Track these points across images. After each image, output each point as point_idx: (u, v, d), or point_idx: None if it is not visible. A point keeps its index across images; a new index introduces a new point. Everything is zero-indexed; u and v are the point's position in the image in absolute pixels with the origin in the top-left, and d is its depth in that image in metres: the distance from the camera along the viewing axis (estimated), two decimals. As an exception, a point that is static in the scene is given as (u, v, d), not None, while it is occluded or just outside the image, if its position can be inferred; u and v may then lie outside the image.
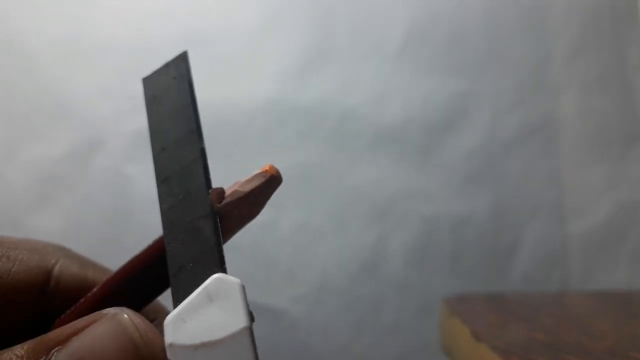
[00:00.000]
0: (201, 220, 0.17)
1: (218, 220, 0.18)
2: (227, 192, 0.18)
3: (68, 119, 0.61)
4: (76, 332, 0.14)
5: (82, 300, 0.19)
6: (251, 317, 0.16)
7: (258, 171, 0.18)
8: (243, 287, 0.16)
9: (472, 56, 0.65)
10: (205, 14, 0.63)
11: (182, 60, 0.21)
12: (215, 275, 0.16)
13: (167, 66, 0.21)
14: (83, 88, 0.61)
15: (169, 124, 0.20)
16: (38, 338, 0.15)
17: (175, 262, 0.17)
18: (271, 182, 0.18)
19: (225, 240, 0.18)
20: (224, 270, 0.16)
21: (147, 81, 0.21)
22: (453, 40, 0.65)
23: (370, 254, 0.61)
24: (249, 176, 0.18)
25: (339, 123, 0.63)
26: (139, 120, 0.61)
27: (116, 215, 0.59)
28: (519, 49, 0.65)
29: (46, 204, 0.59)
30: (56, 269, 0.19)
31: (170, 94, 0.20)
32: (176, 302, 0.16)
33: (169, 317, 0.15)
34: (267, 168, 0.18)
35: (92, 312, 0.16)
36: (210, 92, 0.62)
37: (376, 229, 0.62)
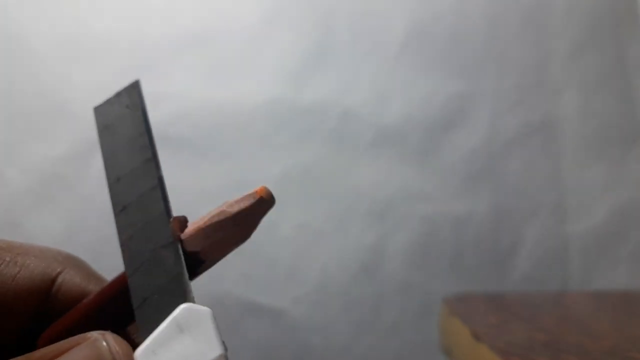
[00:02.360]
0: (163, 249, 0.17)
1: (181, 248, 0.17)
2: (214, 212, 0.17)
3: (68, 119, 0.61)
4: (59, 354, 0.14)
5: (58, 320, 0.18)
6: (224, 346, 0.15)
7: (249, 192, 0.17)
8: (213, 315, 0.16)
9: (472, 56, 0.65)
10: (205, 14, 0.63)
11: (134, 89, 0.21)
12: (183, 305, 0.15)
13: (119, 95, 0.21)
14: (83, 88, 0.61)
15: (124, 154, 0.19)
16: (24, 356, 0.15)
17: (139, 294, 0.16)
18: (261, 204, 0.17)
19: (213, 263, 0.18)
20: (191, 300, 0.16)
21: (99, 110, 0.21)
22: (453, 40, 0.65)
23: (370, 254, 0.61)
24: (238, 196, 0.18)
25: (339, 123, 0.63)
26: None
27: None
28: (519, 49, 0.65)
29: (46, 204, 0.59)
30: (59, 278, 0.19)
31: (124, 123, 0.20)
32: (144, 334, 0.15)
33: (138, 351, 0.15)
34: (259, 189, 0.17)
35: (65, 334, 0.16)
36: (210, 92, 0.62)
37: (376, 229, 0.62)
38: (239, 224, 0.17)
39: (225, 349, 0.15)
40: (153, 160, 0.19)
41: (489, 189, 0.63)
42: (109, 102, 0.21)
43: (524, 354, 0.27)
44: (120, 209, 0.19)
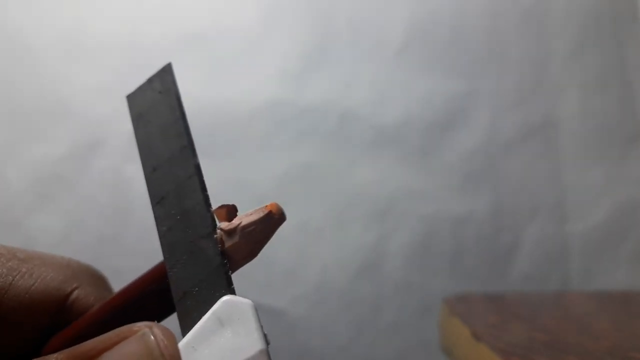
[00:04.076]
0: (203, 240, 0.16)
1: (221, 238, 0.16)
2: (223, 225, 0.17)
3: (68, 119, 0.61)
4: (108, 347, 0.14)
5: (79, 319, 0.18)
6: (266, 340, 0.15)
7: (260, 207, 0.17)
8: (255, 308, 0.15)
9: (472, 56, 0.65)
10: (204, 14, 0.63)
11: (167, 73, 0.20)
12: (224, 298, 0.15)
13: (151, 81, 0.20)
14: (83, 88, 0.61)
15: (159, 142, 0.19)
16: (71, 349, 0.15)
17: (179, 288, 0.16)
18: (269, 218, 0.16)
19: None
20: (232, 292, 0.15)
21: (132, 98, 0.20)
22: (453, 40, 0.65)
23: (370, 254, 0.61)
24: (249, 211, 0.17)
25: (339, 123, 0.63)
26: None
27: (115, 215, 0.59)
28: (519, 49, 0.65)
29: (46, 204, 0.59)
30: (74, 293, 0.19)
31: (158, 110, 0.19)
32: (184, 329, 0.15)
33: (179, 346, 0.14)
34: (269, 205, 0.17)
35: (90, 332, 0.15)
36: (210, 93, 0.62)
37: (376, 229, 0.61)
38: (246, 237, 0.16)
39: (267, 343, 0.15)
40: (189, 147, 0.18)
41: (488, 189, 0.63)
42: (140, 89, 0.20)
43: (524, 354, 0.27)
44: (158, 201, 0.18)
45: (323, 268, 0.60)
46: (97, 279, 0.20)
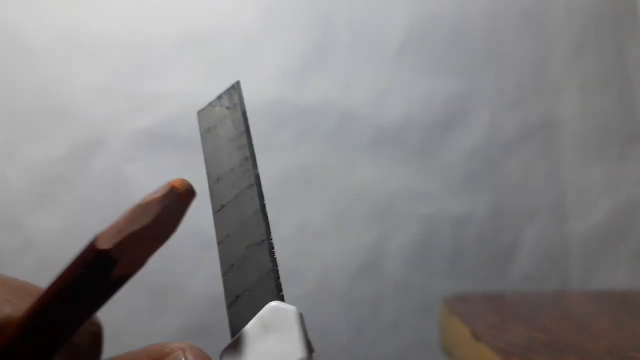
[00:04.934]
0: (257, 247, 0.17)
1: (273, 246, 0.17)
2: (130, 208, 0.15)
3: (68, 119, 0.61)
4: None
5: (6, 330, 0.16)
6: (310, 348, 0.15)
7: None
8: (301, 315, 0.15)
9: (472, 56, 0.65)
10: (205, 14, 0.63)
11: (235, 91, 0.21)
12: (270, 304, 0.15)
13: (220, 98, 0.22)
14: (83, 88, 0.61)
15: (224, 155, 0.20)
16: None
17: (232, 292, 0.16)
18: (172, 194, 0.15)
19: (131, 266, 0.15)
20: (281, 298, 0.16)
21: (202, 114, 0.21)
22: (453, 40, 0.65)
23: (370, 254, 0.61)
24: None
25: (339, 123, 0.63)
26: (139, 121, 0.61)
27: (116, 215, 0.59)
28: (519, 49, 0.65)
29: (46, 204, 0.59)
30: None
31: (225, 125, 0.21)
32: (233, 333, 0.15)
33: (225, 350, 0.15)
34: (174, 180, 0.15)
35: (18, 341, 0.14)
36: (210, 92, 0.62)
37: (376, 229, 0.61)
38: (151, 215, 0.15)
39: (311, 351, 0.15)
40: (251, 158, 0.19)
41: (488, 189, 0.63)
42: (211, 106, 0.21)
43: (524, 354, 0.27)
44: (219, 209, 0.19)
45: (323, 268, 0.60)
46: None
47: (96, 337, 0.17)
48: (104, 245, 0.15)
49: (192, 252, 0.59)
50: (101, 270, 0.15)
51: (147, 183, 0.59)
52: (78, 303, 0.15)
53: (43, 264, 0.57)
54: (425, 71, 0.64)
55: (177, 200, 0.15)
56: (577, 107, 0.64)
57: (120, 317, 0.57)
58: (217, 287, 0.59)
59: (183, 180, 0.15)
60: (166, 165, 0.60)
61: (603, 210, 0.63)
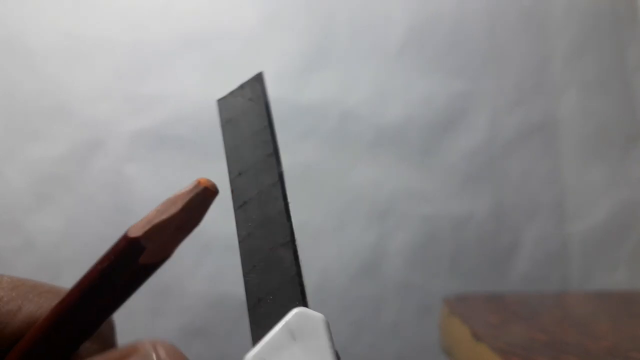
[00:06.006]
0: (281, 248, 0.17)
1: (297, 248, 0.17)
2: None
3: (68, 119, 0.61)
4: None
5: (17, 344, 0.17)
6: (337, 357, 0.15)
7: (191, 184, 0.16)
8: (327, 323, 0.15)
9: (472, 56, 0.65)
10: (204, 14, 0.63)
11: (258, 81, 0.21)
12: (296, 310, 0.15)
13: (242, 87, 0.21)
14: (83, 88, 0.61)
15: (246, 148, 0.19)
16: None
17: (254, 294, 0.16)
18: (197, 190, 0.15)
19: (159, 253, 0.16)
20: (305, 304, 0.15)
21: (222, 103, 0.20)
22: (453, 40, 0.65)
23: (370, 254, 0.61)
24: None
25: (339, 123, 0.63)
26: (138, 121, 0.61)
27: (115, 215, 0.59)
28: (519, 49, 0.65)
29: (46, 204, 0.59)
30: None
31: (247, 117, 0.20)
32: (256, 339, 0.15)
33: (248, 356, 0.14)
34: (200, 180, 0.16)
35: (40, 344, 0.14)
36: (210, 92, 0.62)
37: (376, 229, 0.61)
38: (179, 205, 0.15)
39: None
40: (274, 155, 0.18)
41: (489, 189, 0.63)
42: (232, 95, 0.21)
43: (524, 354, 0.27)
44: (240, 205, 0.18)
45: (323, 268, 0.60)
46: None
47: (109, 321, 0.18)
48: (135, 233, 0.15)
49: (192, 252, 0.59)
50: (130, 257, 0.15)
51: (147, 183, 0.59)
52: (108, 293, 0.16)
53: (43, 264, 0.57)
54: (425, 71, 0.64)
55: (203, 192, 0.15)
56: (577, 107, 0.64)
57: (120, 317, 0.57)
58: (217, 287, 0.59)
59: (208, 179, 0.16)
60: (166, 165, 0.60)
61: (603, 210, 0.63)
